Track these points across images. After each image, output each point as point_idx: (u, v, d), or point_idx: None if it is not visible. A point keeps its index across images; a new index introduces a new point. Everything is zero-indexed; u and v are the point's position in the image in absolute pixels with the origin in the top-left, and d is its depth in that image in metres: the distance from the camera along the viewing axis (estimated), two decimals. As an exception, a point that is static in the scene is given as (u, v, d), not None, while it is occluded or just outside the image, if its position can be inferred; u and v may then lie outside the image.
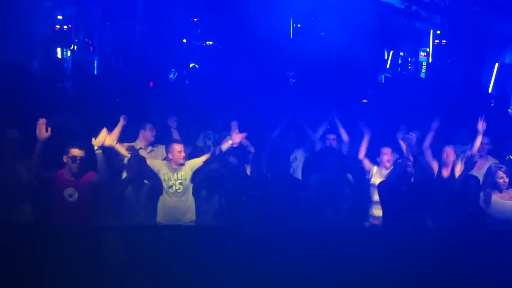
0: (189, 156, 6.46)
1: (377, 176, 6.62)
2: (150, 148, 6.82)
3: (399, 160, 6.15)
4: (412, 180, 6.14)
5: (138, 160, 5.90)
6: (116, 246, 5.24)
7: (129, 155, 6.06)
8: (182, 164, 6.14)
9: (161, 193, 6.01)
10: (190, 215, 6.06)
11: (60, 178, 5.75)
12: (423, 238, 5.70)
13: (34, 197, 5.95)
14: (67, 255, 4.92)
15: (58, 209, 5.76)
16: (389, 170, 6.45)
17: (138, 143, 6.75)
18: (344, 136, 7.27)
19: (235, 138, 6.27)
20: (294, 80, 16.67)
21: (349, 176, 6.52)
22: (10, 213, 5.86)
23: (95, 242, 5.26)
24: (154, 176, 5.97)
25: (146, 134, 6.78)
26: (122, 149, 6.19)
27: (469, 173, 6.22)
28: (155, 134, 6.84)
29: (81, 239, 5.23)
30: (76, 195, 5.74)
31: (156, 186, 5.96)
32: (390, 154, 6.68)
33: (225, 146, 6.27)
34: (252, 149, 6.96)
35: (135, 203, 5.82)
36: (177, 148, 6.17)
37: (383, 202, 6.08)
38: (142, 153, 6.51)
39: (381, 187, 6.13)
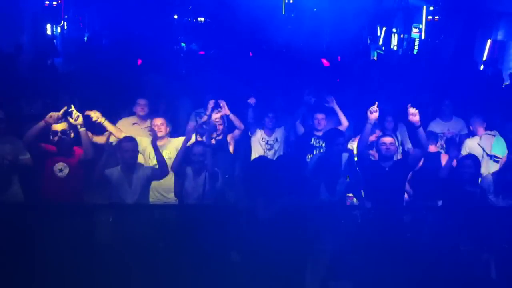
0: (181, 135, 6.41)
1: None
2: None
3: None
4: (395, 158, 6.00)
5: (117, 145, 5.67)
6: (104, 225, 5.22)
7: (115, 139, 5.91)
8: (161, 138, 6.15)
9: (156, 180, 5.93)
10: (173, 194, 6.01)
11: (50, 153, 5.68)
12: (407, 216, 5.73)
13: (24, 175, 5.89)
14: (58, 233, 4.90)
15: (48, 184, 5.71)
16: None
17: (131, 120, 6.77)
18: (344, 121, 7.04)
19: (214, 115, 6.31)
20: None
21: (345, 155, 6.41)
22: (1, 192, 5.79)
23: (85, 220, 5.26)
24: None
25: (137, 109, 6.79)
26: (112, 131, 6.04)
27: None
28: (147, 110, 6.80)
29: (73, 216, 5.22)
30: (66, 170, 5.67)
31: (154, 175, 5.78)
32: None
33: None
34: (241, 126, 6.84)
35: (127, 187, 5.68)
36: (158, 121, 6.23)
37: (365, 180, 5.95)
38: (132, 130, 6.45)
39: (359, 165, 5.97)
